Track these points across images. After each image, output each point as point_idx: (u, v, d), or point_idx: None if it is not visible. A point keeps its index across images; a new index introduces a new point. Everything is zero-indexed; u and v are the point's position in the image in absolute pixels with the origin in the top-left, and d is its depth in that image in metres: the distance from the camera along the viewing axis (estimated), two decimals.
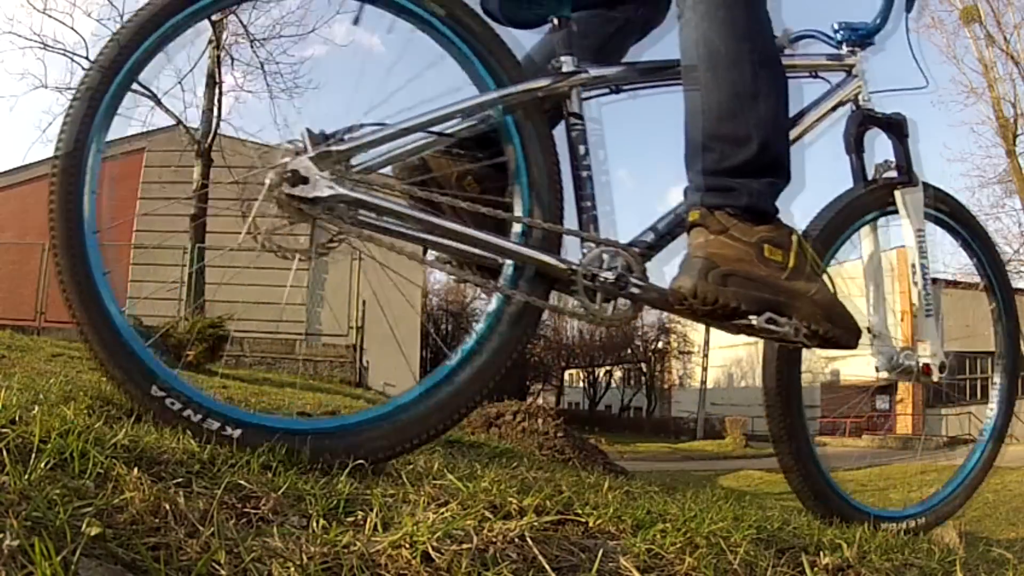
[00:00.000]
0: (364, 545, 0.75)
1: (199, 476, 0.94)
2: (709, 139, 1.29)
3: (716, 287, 1.22)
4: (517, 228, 1.31)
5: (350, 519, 0.86)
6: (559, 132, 1.39)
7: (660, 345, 39.52)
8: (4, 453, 0.79)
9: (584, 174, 1.35)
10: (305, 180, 1.17)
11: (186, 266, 10.94)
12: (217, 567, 0.67)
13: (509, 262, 1.30)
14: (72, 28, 19.88)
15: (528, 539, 0.82)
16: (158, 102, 11.96)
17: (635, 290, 1.29)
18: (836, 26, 1.66)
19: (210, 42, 12.07)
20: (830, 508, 1.54)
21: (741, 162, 1.28)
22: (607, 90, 1.43)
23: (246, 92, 13.43)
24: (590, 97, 1.40)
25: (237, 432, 1.13)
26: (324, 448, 1.14)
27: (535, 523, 0.87)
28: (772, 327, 1.26)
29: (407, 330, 16.11)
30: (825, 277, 1.38)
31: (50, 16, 12.40)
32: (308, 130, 1.20)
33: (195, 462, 0.99)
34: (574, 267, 1.28)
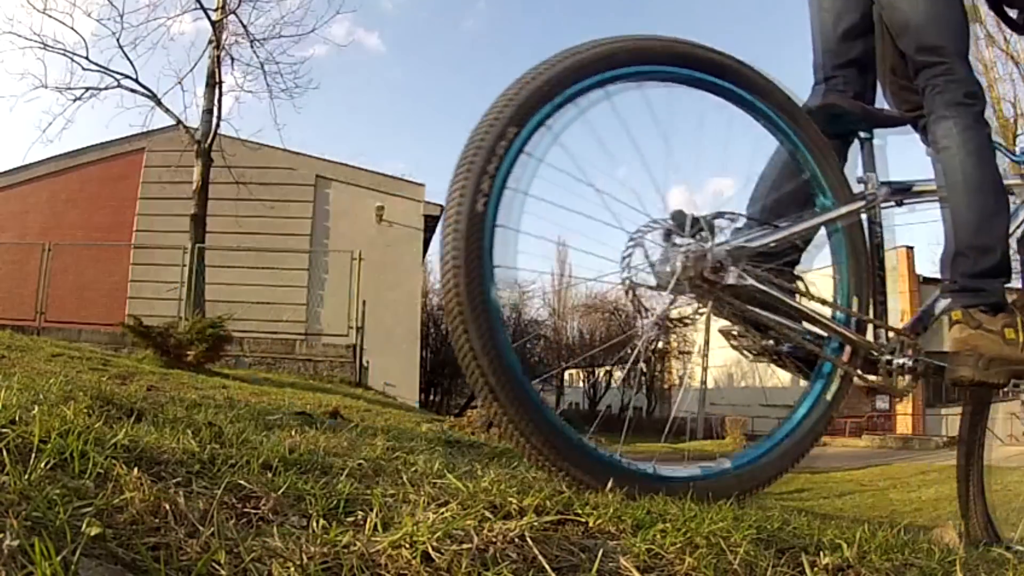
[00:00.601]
0: (364, 545, 0.75)
1: (199, 476, 0.94)
2: (965, 248, 1.62)
3: (985, 371, 1.57)
4: (840, 314, 1.57)
5: (350, 519, 0.86)
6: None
7: (660, 345, 39.46)
8: (4, 453, 0.79)
9: (882, 274, 1.63)
10: (722, 268, 1.37)
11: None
12: (217, 567, 0.67)
13: (835, 343, 1.55)
14: (72, 28, 19.69)
15: (528, 539, 0.82)
16: (158, 102, 11.93)
17: (921, 368, 1.59)
18: (1020, 148, 1.95)
19: (210, 42, 12.04)
20: (980, 502, 1.91)
21: (989, 267, 1.61)
22: (894, 203, 1.72)
23: (246, 92, 13.33)
24: (885, 208, 1.68)
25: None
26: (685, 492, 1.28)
27: (535, 523, 0.87)
28: (1016, 389, 1.68)
29: (407, 330, 16.11)
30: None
31: (50, 16, 12.34)
32: (681, 212, 1.38)
33: (195, 462, 0.99)
34: (880, 350, 1.58)
